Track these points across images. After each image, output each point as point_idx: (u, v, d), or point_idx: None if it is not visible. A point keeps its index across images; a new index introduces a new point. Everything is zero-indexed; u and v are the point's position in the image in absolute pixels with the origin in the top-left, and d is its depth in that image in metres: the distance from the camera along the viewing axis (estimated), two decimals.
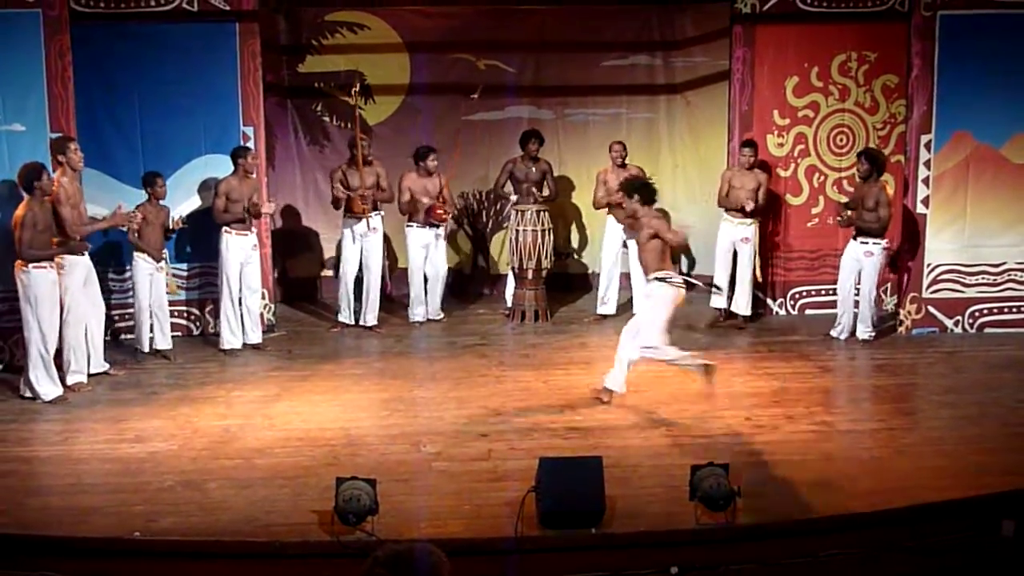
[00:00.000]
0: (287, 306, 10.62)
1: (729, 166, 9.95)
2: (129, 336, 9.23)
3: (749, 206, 9.55)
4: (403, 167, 10.30)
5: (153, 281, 8.83)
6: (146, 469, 6.55)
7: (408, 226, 10.00)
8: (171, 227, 8.80)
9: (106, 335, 8.81)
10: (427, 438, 7.05)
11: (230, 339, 9.08)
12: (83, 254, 8.18)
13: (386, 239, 10.14)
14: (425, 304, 10.07)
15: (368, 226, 9.66)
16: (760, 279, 9.88)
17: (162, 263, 8.89)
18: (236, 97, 9.33)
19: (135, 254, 8.78)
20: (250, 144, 9.30)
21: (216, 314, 9.34)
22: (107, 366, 8.50)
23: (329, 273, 10.80)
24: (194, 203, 9.32)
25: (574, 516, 5.59)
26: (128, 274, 9.14)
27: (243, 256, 9.06)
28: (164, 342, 8.96)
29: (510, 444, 6.92)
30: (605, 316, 10.14)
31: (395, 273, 10.54)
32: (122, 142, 9.23)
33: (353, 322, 9.86)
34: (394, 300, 10.50)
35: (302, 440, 7.03)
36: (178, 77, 9.21)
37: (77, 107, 8.55)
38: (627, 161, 10.04)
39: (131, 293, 9.03)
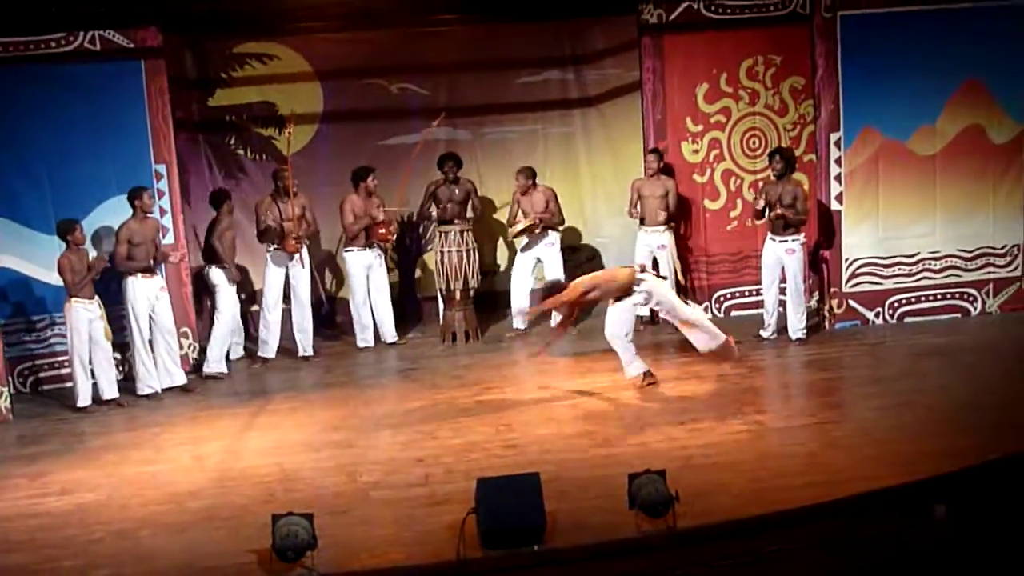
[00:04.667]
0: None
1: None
2: (57, 386, 9.06)
3: (661, 217, 9.75)
4: (321, 196, 10.22)
5: (92, 326, 8.58)
6: (74, 522, 6.38)
7: (347, 250, 9.93)
8: (92, 267, 8.52)
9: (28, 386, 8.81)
10: (363, 468, 6.97)
11: (149, 383, 8.88)
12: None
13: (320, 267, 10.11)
14: (373, 327, 9.98)
15: (301, 261, 9.60)
16: (683, 282, 9.99)
17: (99, 309, 8.63)
18: (146, 135, 9.19)
19: (73, 301, 8.47)
20: (162, 183, 9.20)
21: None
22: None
23: (256, 308, 10.64)
24: (108, 247, 9.12)
25: (515, 534, 5.57)
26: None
27: (150, 299, 8.85)
28: (112, 390, 8.71)
29: (447, 467, 6.87)
30: (524, 330, 10.15)
31: (337, 304, 10.68)
32: (29, 187, 9.01)
33: (274, 355, 9.74)
34: (336, 326, 10.51)
35: (235, 479, 6.91)
36: (85, 118, 9.04)
37: None
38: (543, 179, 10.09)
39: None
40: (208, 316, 9.90)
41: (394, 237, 9.98)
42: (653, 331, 9.99)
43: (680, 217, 10.18)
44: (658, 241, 9.89)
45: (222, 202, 9.65)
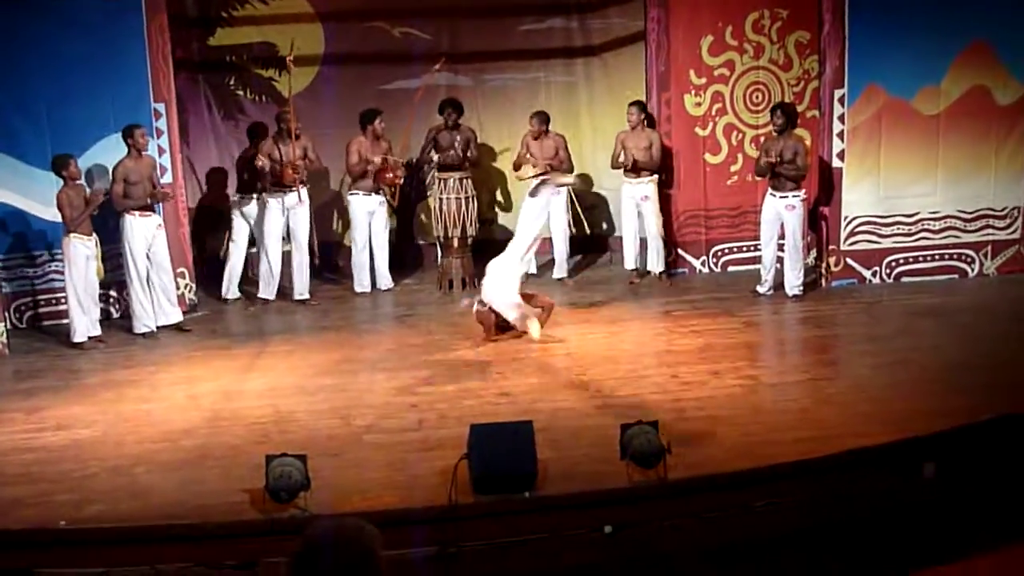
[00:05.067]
0: (205, 284, 10.42)
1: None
2: (54, 322, 9.07)
3: (627, 163, 9.72)
4: (322, 138, 10.19)
5: (88, 265, 8.56)
6: (69, 457, 6.40)
7: (352, 193, 9.92)
8: (90, 202, 8.46)
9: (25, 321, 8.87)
10: (357, 411, 7.00)
11: (145, 322, 8.88)
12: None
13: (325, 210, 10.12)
14: (371, 273, 9.98)
15: (299, 197, 9.55)
16: (663, 235, 9.94)
17: (96, 247, 8.59)
18: (145, 73, 9.11)
19: (71, 236, 8.43)
20: (161, 122, 9.15)
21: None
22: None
23: (254, 250, 10.62)
24: (107, 183, 9.07)
25: (507, 481, 5.60)
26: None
27: (147, 237, 8.83)
28: (94, 328, 8.72)
29: (441, 413, 6.90)
30: (527, 275, 10.19)
31: (339, 249, 10.69)
32: (28, 124, 8.94)
33: (274, 297, 9.75)
34: (337, 270, 10.59)
35: (229, 419, 6.94)
36: (84, 55, 8.94)
37: None
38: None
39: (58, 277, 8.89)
40: (224, 250, 9.94)
41: (401, 180, 9.91)
42: (647, 283, 9.99)
43: (679, 170, 10.14)
44: (641, 192, 9.85)
45: (258, 135, 9.86)
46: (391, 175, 9.74)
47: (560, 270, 10.24)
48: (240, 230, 9.91)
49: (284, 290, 9.83)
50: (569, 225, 10.22)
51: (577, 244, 10.54)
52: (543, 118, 10.05)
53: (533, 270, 10.22)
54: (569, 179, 9.74)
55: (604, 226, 11.37)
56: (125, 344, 8.75)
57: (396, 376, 7.68)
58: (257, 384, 7.67)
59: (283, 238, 9.78)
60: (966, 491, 5.80)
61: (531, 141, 10.05)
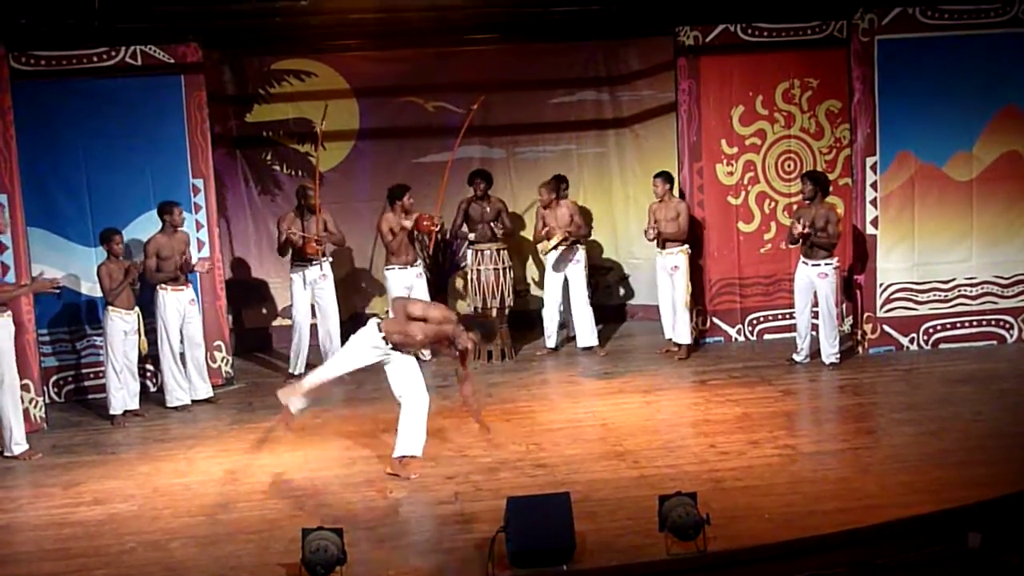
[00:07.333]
0: (244, 357, 10.48)
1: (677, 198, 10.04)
2: (94, 396, 9.16)
3: (649, 235, 9.71)
4: (356, 212, 10.29)
5: (126, 340, 8.67)
6: (106, 532, 6.43)
7: (388, 268, 9.95)
8: (128, 274, 8.60)
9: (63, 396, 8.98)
10: (393, 484, 6.97)
11: (178, 396, 8.96)
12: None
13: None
14: None
15: (321, 271, 9.63)
16: (689, 306, 9.83)
17: (136, 322, 8.71)
18: (184, 149, 9.31)
19: (109, 310, 8.59)
20: (199, 197, 9.32)
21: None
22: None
23: (286, 322, 10.69)
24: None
25: (544, 554, 5.55)
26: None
27: (180, 311, 8.95)
28: (132, 402, 8.81)
29: (476, 485, 6.87)
30: (554, 349, 10.21)
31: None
32: (69, 200, 9.16)
33: (304, 371, 9.76)
34: None
35: (266, 493, 6.94)
36: (124, 132, 9.18)
37: (21, 166, 8.48)
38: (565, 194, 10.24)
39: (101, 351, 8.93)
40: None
41: (437, 228, 9.90)
42: (680, 352, 9.93)
43: (711, 239, 10.16)
44: (671, 263, 9.83)
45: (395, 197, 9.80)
46: (428, 222, 9.76)
47: (586, 339, 10.18)
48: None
49: (317, 364, 9.83)
50: (591, 294, 10.23)
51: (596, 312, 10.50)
52: (552, 186, 10.06)
53: (552, 345, 10.22)
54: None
55: (622, 292, 11.38)
56: (162, 418, 8.81)
57: (431, 448, 7.64)
58: (293, 457, 7.68)
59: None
60: (1011, 562, 5.68)
61: (545, 212, 10.08)
